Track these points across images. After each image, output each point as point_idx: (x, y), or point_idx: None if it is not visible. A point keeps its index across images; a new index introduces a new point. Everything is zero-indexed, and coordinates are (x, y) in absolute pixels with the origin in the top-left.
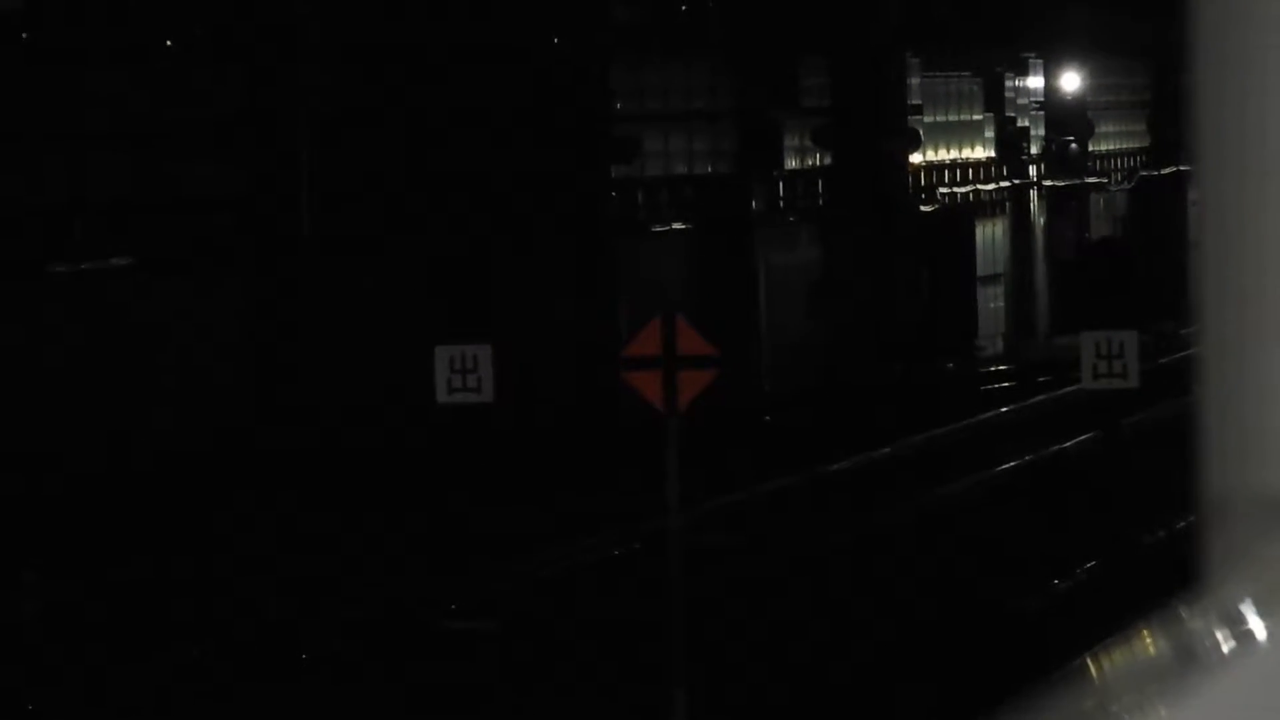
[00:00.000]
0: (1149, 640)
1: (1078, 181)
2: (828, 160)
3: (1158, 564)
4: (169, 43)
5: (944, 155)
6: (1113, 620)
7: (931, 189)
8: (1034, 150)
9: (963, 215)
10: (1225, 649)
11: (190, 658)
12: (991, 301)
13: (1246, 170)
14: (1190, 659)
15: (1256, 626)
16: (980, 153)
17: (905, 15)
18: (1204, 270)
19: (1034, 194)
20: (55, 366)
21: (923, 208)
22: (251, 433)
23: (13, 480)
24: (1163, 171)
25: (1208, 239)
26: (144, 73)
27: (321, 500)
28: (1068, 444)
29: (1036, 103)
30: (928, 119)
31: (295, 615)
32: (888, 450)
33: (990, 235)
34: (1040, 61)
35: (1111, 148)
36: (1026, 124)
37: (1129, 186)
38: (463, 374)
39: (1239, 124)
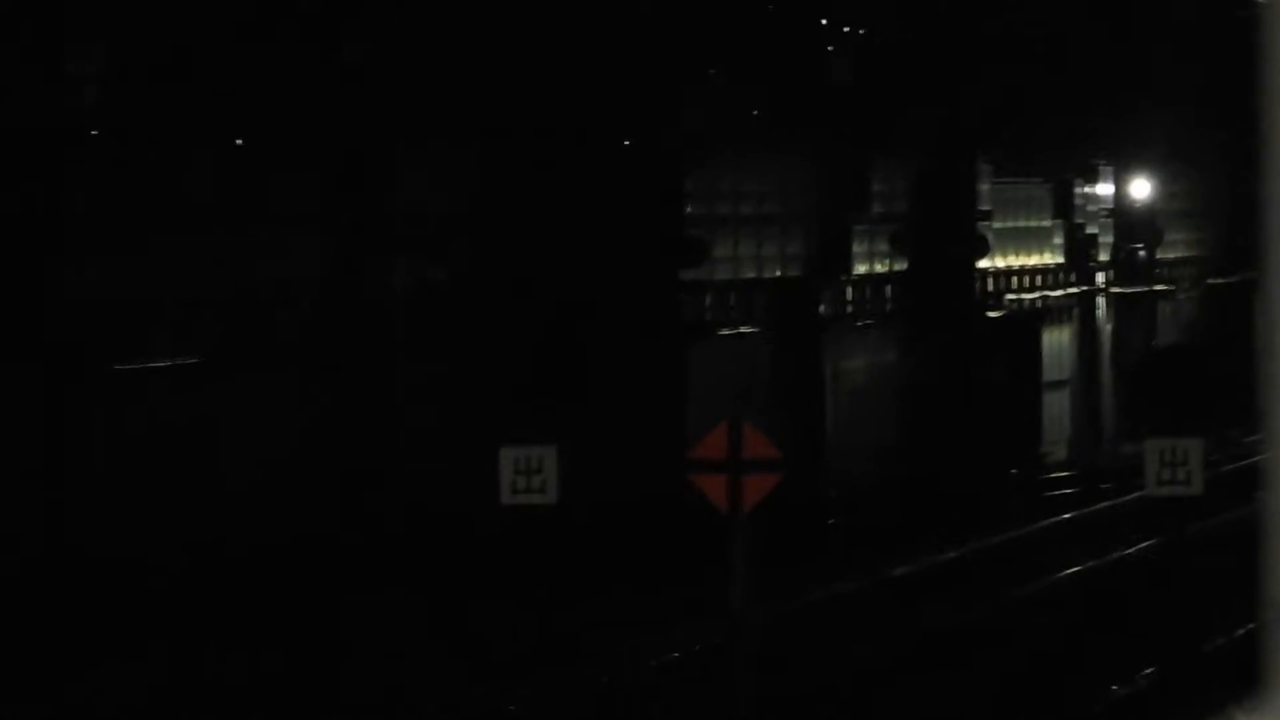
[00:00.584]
0: None
1: (1145, 288)
2: (897, 265)
3: (1219, 671)
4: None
5: (1013, 260)
6: None
7: (1000, 294)
8: (1102, 256)
9: (1030, 321)
10: None
11: None
12: (1057, 407)
13: None
14: None
15: None
16: (1049, 258)
17: (977, 120)
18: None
19: (1102, 300)
20: (136, 464)
21: (991, 313)
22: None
23: (109, 581)
24: (1230, 279)
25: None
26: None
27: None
28: (1130, 550)
29: (1106, 209)
30: (997, 224)
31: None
32: (953, 554)
33: (1058, 341)
34: (1110, 168)
35: (1180, 254)
36: (1095, 230)
37: (1196, 293)
38: (527, 475)
39: None
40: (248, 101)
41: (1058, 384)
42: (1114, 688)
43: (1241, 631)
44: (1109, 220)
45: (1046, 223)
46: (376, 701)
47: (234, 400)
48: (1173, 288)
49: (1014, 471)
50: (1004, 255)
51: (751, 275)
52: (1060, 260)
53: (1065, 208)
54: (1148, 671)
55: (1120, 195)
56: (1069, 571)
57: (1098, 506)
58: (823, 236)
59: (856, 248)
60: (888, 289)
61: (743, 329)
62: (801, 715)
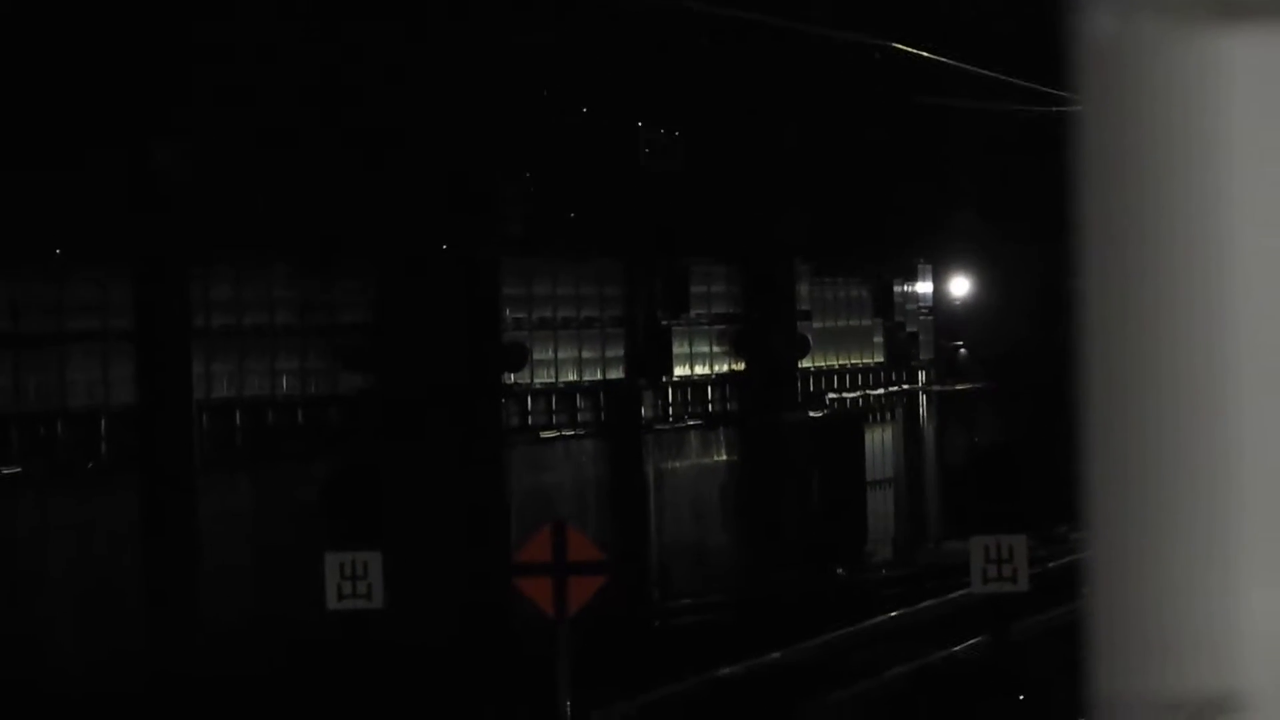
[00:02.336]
0: None
1: (967, 386)
2: (718, 367)
3: None
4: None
5: (834, 361)
6: None
7: (821, 394)
8: (924, 355)
9: (852, 419)
10: None
11: None
12: (881, 506)
13: (1132, 368)
14: None
15: None
16: (870, 358)
17: (796, 223)
18: (1092, 467)
19: (923, 398)
20: None
21: (812, 413)
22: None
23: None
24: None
25: (1095, 434)
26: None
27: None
28: (957, 648)
29: (925, 308)
30: (817, 324)
31: None
32: (777, 656)
33: (880, 439)
34: (929, 267)
35: (1002, 351)
36: (915, 330)
37: (1017, 390)
38: (353, 580)
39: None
40: None
41: (881, 482)
42: None
43: None
44: (929, 319)
45: (866, 322)
46: None
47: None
48: (994, 384)
49: (840, 571)
50: (824, 356)
51: (572, 379)
52: (880, 359)
53: (885, 307)
54: None
55: (939, 293)
56: (895, 671)
57: (923, 604)
58: (643, 338)
59: (677, 349)
60: (709, 390)
61: (565, 433)
62: None
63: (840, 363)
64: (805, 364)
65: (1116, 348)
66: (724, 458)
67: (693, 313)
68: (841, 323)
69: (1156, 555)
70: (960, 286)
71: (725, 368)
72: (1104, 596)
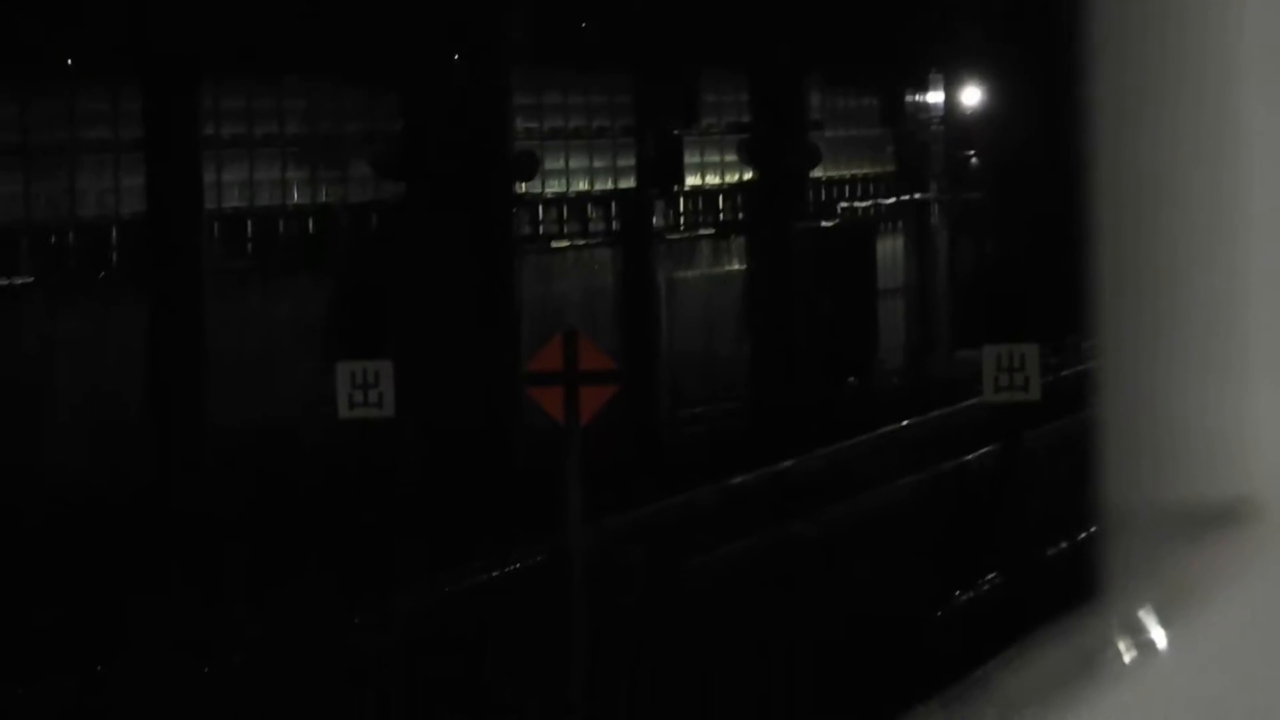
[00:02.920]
0: (1047, 652)
1: (976, 195)
2: (729, 177)
3: (1059, 577)
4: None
5: (846, 171)
6: (1012, 633)
7: (833, 204)
8: (935, 165)
9: (864, 230)
10: (1124, 660)
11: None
12: (893, 316)
13: (1141, 169)
14: (1088, 670)
15: (1156, 636)
16: (881, 168)
17: (807, 30)
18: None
19: (935, 208)
20: None
21: (824, 223)
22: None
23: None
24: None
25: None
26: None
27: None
28: (969, 457)
29: (937, 118)
30: (829, 134)
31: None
32: (789, 464)
33: (891, 250)
34: (940, 76)
35: (1012, 159)
36: (926, 139)
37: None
38: (364, 389)
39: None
40: None
41: (893, 292)
42: (956, 594)
43: (1082, 537)
44: (940, 129)
45: (877, 131)
46: None
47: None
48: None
49: (851, 380)
50: (836, 165)
51: (584, 188)
52: (891, 169)
53: (896, 116)
54: (989, 578)
55: (951, 103)
56: (907, 480)
57: (935, 414)
58: (655, 149)
59: (688, 159)
60: (720, 201)
61: (576, 242)
62: (637, 625)
63: (851, 173)
64: (816, 174)
65: (1126, 152)
66: (735, 267)
67: (704, 122)
68: (853, 132)
69: (1167, 361)
70: (971, 96)
71: (736, 177)
72: (1113, 404)
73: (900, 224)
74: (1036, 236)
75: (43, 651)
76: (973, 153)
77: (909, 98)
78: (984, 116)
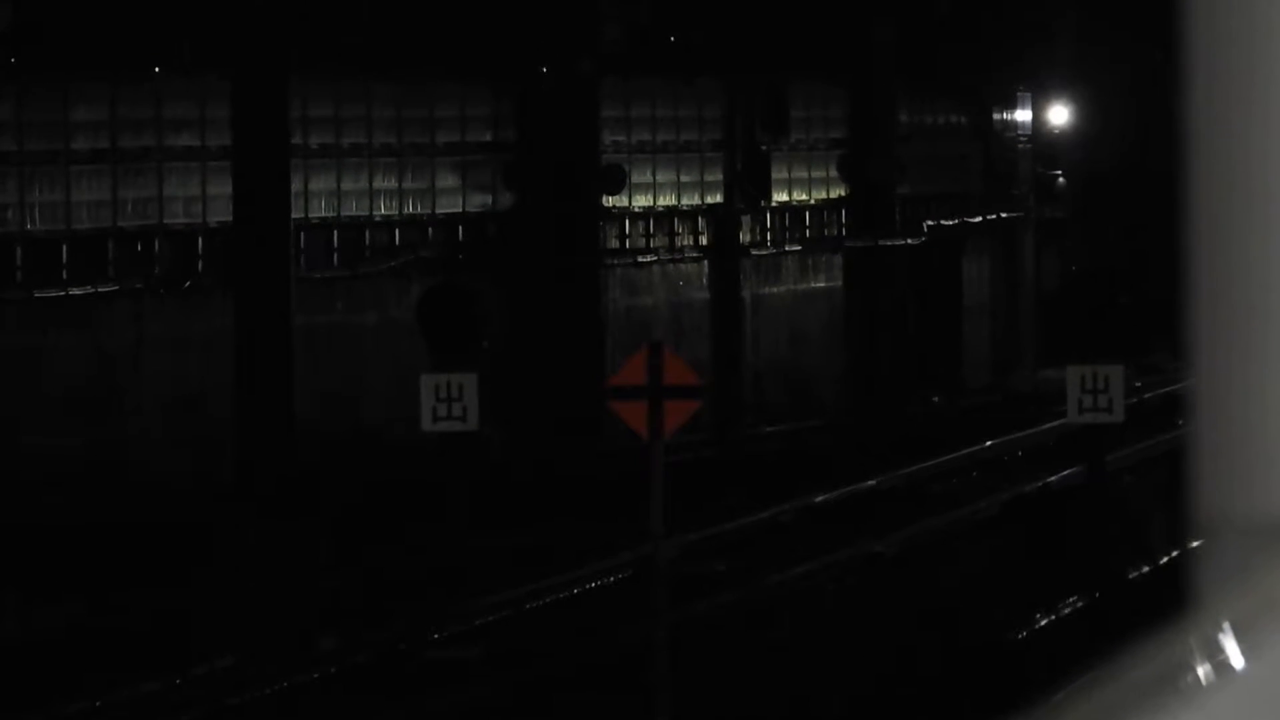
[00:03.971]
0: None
1: (1062, 214)
2: (817, 193)
3: (1143, 596)
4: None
5: (934, 187)
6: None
7: (920, 220)
8: (1023, 183)
9: (950, 247)
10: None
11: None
12: (979, 333)
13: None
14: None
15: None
16: (969, 185)
17: (896, 45)
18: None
19: (1021, 225)
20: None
21: (910, 239)
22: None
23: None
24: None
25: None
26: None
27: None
28: (1052, 478)
29: (1025, 136)
30: (916, 151)
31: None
32: (872, 483)
33: (977, 266)
34: (1029, 95)
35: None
36: (1014, 157)
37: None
38: (448, 402)
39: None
40: None
41: (978, 310)
42: (1037, 615)
43: (1166, 558)
44: (1028, 147)
45: (967, 149)
46: None
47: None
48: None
49: (935, 399)
50: (925, 182)
51: (671, 203)
52: (980, 185)
53: (984, 134)
54: (1072, 599)
55: (1039, 122)
56: (990, 500)
57: (1019, 434)
58: (743, 162)
59: (776, 174)
60: (807, 215)
61: (663, 256)
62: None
63: (940, 189)
64: (905, 190)
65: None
66: (821, 284)
67: (793, 137)
68: (941, 149)
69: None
70: (1059, 115)
71: (825, 194)
72: (1207, 420)
73: (987, 241)
74: (1125, 255)
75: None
76: (1060, 171)
77: (997, 115)
78: (1073, 134)
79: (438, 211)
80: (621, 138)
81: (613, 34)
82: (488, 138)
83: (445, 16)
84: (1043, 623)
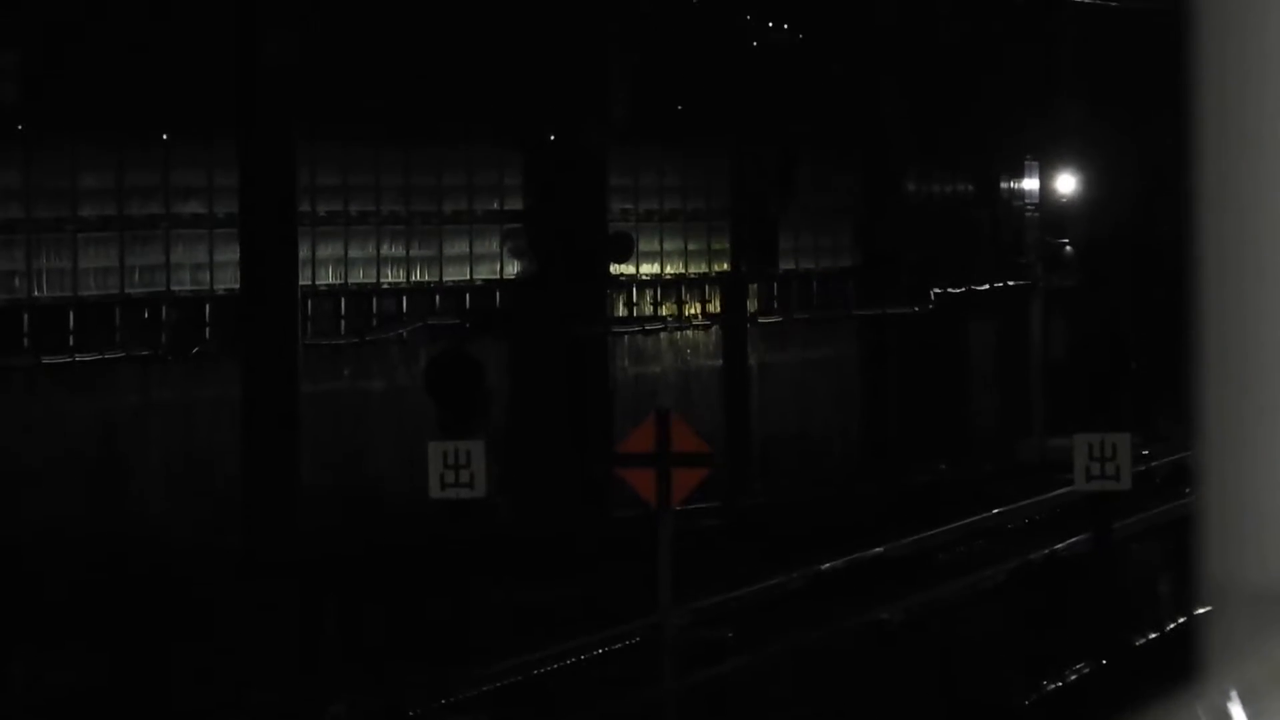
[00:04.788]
0: None
1: (1069, 283)
2: (823, 261)
3: (1150, 663)
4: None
5: (936, 255)
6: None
7: (925, 288)
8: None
9: (956, 314)
10: None
11: None
12: (985, 402)
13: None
14: None
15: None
16: (974, 253)
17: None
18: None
19: (1027, 293)
20: None
21: (915, 307)
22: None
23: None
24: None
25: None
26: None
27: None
28: (1059, 545)
29: (1031, 204)
30: (923, 218)
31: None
32: (879, 550)
33: (983, 335)
34: (1035, 163)
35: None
36: (1020, 226)
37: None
38: (455, 469)
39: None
40: None
41: (985, 377)
42: (1044, 683)
43: (1172, 626)
44: (1035, 215)
45: (971, 216)
46: None
47: None
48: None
49: (942, 466)
50: (929, 249)
51: (679, 270)
52: (985, 253)
53: (990, 202)
54: (1079, 666)
55: (1045, 190)
56: (997, 568)
57: (1026, 501)
58: (750, 231)
59: (783, 243)
60: (813, 284)
61: (670, 324)
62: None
63: (943, 257)
64: (909, 258)
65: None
66: (828, 352)
67: (800, 203)
68: (947, 217)
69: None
70: (1066, 183)
71: (830, 262)
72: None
73: (993, 309)
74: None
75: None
76: (1066, 240)
77: (1003, 183)
78: (1079, 202)
79: (445, 279)
80: (629, 205)
81: (620, 100)
82: (494, 205)
83: (451, 85)
84: (1049, 690)
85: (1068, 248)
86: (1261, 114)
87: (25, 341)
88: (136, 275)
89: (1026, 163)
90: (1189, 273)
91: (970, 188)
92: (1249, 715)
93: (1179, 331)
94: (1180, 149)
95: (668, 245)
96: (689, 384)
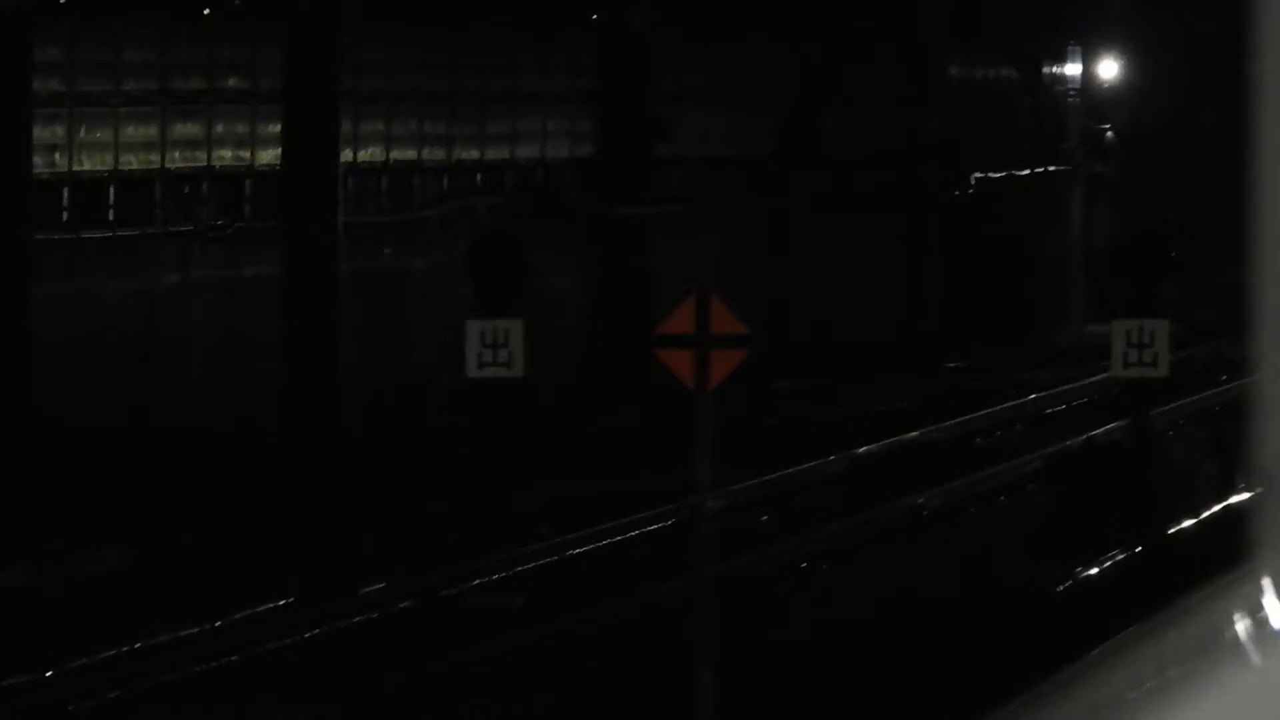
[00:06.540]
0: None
1: (1111, 169)
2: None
3: (1188, 551)
4: None
5: (979, 141)
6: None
7: (966, 175)
8: (1071, 138)
9: (996, 201)
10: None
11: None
12: (1025, 288)
13: None
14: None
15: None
16: (1017, 139)
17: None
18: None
19: (1069, 181)
20: None
21: (956, 192)
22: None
23: None
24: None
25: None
26: None
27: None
28: (1095, 432)
29: (1074, 90)
30: (966, 104)
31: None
32: (915, 435)
33: (1023, 221)
34: (1079, 48)
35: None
36: (1064, 111)
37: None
38: (493, 348)
39: None
40: None
41: (1026, 263)
42: (1079, 569)
43: (1209, 514)
44: (1076, 101)
45: (1014, 102)
46: None
47: None
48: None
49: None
50: (970, 136)
51: (721, 152)
52: (1028, 140)
53: (1033, 87)
54: (1115, 552)
55: (1088, 76)
56: (1034, 454)
57: (1064, 387)
58: (793, 116)
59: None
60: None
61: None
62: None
63: (984, 143)
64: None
65: None
66: (864, 236)
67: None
68: (990, 103)
69: None
70: (1109, 69)
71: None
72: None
73: (1034, 196)
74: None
75: None
76: (1109, 126)
77: (1047, 69)
78: (1124, 89)
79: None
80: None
81: None
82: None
83: None
84: (1082, 576)
85: (1110, 134)
86: None
87: (64, 215)
88: (178, 153)
89: (1069, 48)
90: (1242, 162)
91: (1014, 73)
92: None
93: (1225, 221)
94: (1231, 36)
95: (711, 127)
96: (732, 268)
